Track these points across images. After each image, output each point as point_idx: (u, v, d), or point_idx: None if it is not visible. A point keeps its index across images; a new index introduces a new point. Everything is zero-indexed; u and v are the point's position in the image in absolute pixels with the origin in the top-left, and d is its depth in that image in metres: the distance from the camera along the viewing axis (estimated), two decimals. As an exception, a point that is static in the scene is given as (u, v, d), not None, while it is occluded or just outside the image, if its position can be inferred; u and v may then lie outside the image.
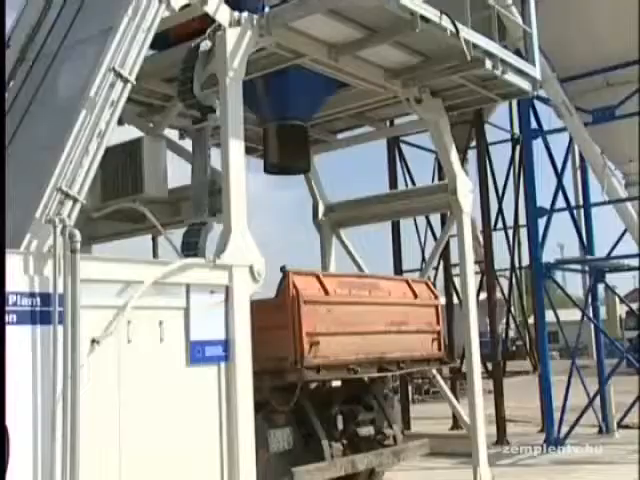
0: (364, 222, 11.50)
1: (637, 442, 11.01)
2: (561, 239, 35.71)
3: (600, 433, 12.81)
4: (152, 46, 6.65)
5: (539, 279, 12.27)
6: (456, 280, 15.29)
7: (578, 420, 11.94)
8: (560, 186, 12.49)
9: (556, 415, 11.76)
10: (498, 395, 12.89)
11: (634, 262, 12.86)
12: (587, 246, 13.48)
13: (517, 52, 9.60)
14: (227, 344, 6.28)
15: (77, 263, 5.07)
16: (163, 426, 5.70)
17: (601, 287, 14.46)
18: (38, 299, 4.97)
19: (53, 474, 4.86)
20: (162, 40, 7.38)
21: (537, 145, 12.55)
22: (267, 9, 7.19)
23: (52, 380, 4.93)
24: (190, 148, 7.67)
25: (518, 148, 16.49)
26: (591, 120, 12.20)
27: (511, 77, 9.04)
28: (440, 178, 14.31)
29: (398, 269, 14.51)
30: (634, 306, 24.83)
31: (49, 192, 5.31)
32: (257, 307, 6.64)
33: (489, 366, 14.44)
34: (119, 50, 5.93)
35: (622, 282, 33.62)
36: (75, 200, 5.40)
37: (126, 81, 5.90)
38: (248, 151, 8.13)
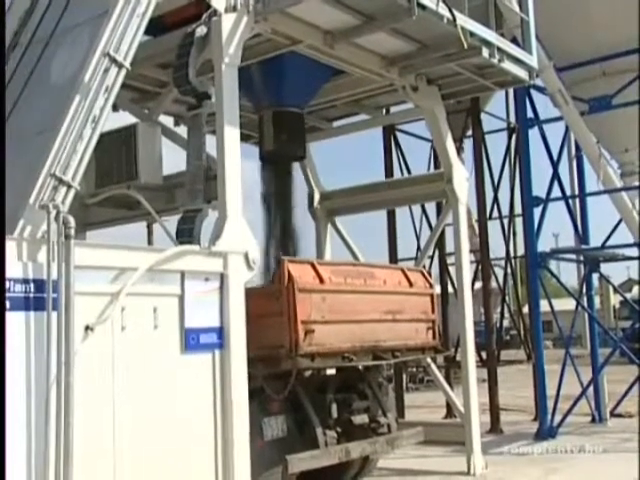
0: (359, 210, 11.50)
1: (629, 431, 11.08)
2: (556, 229, 35.74)
3: (593, 422, 12.85)
4: (147, 31, 6.60)
5: (534, 268, 12.27)
6: (451, 269, 15.29)
7: (571, 409, 11.97)
8: (556, 175, 12.47)
9: (549, 404, 11.79)
10: (492, 384, 12.91)
11: (629, 252, 12.86)
12: (582, 236, 13.48)
13: (514, 40, 9.57)
14: (222, 331, 6.28)
15: (71, 249, 5.05)
16: (157, 413, 5.69)
17: (595, 277, 14.46)
18: (32, 285, 4.95)
19: (47, 460, 4.85)
20: (157, 26, 7.34)
21: (533, 134, 12.53)
22: (263, -5, 7.13)
23: (46, 366, 4.92)
24: (185, 135, 7.63)
25: (514, 137, 16.46)
26: (587, 109, 12.17)
27: (508, 65, 9.03)
28: (436, 167, 14.29)
29: (393, 257, 14.49)
30: (628, 296, 24.91)
31: (43, 178, 5.28)
32: (252, 295, 6.63)
33: (483, 355, 14.47)
34: (114, 35, 5.88)
35: (616, 272, 33.80)
36: (69, 186, 5.37)
37: (121, 66, 5.86)
38: (243, 138, 8.09)
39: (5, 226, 4.83)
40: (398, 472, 9.44)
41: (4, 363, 4.52)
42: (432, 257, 15.50)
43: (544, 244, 12.51)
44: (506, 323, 25.11)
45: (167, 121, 9.63)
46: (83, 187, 5.99)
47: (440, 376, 10.78)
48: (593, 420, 12.90)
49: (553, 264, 14.48)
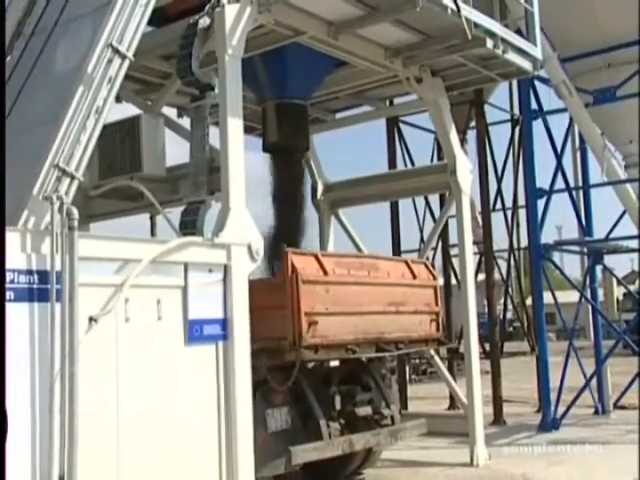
0: (363, 202, 11.48)
1: (632, 422, 11.06)
2: (559, 221, 35.76)
3: (596, 414, 12.86)
4: (150, 22, 6.58)
5: (537, 260, 12.25)
6: (454, 261, 15.30)
7: (575, 401, 11.97)
8: (559, 167, 12.44)
9: (553, 396, 11.79)
10: (495, 376, 12.92)
11: (633, 244, 12.82)
12: (586, 227, 13.45)
13: (518, 31, 9.53)
14: (225, 323, 6.28)
15: (75, 241, 5.05)
16: (161, 405, 5.69)
17: (599, 269, 14.44)
18: (36, 276, 4.95)
19: (51, 452, 4.86)
20: (160, 16, 7.32)
21: (537, 126, 12.49)
22: (266, -15, 7.10)
23: (50, 358, 4.92)
24: (188, 126, 7.63)
25: (518, 129, 16.43)
26: (592, 101, 12.13)
27: (512, 56, 9.00)
28: (439, 158, 14.26)
29: (397, 249, 14.49)
30: (632, 288, 24.89)
31: (46, 169, 5.28)
32: (255, 286, 6.63)
33: (487, 347, 14.47)
34: (117, 25, 5.87)
35: (620, 264, 33.85)
36: (73, 177, 5.36)
37: (124, 57, 5.84)
38: (247, 130, 8.08)
39: (5, 218, 4.81)
40: (401, 463, 9.47)
41: (4, 354, 4.51)
42: (435, 249, 15.52)
43: (547, 236, 12.50)
44: (509, 315, 25.17)
45: (170, 113, 9.63)
46: (86, 178, 5.97)
47: (443, 368, 10.78)
48: (596, 412, 12.91)
49: (556, 256, 14.52)
